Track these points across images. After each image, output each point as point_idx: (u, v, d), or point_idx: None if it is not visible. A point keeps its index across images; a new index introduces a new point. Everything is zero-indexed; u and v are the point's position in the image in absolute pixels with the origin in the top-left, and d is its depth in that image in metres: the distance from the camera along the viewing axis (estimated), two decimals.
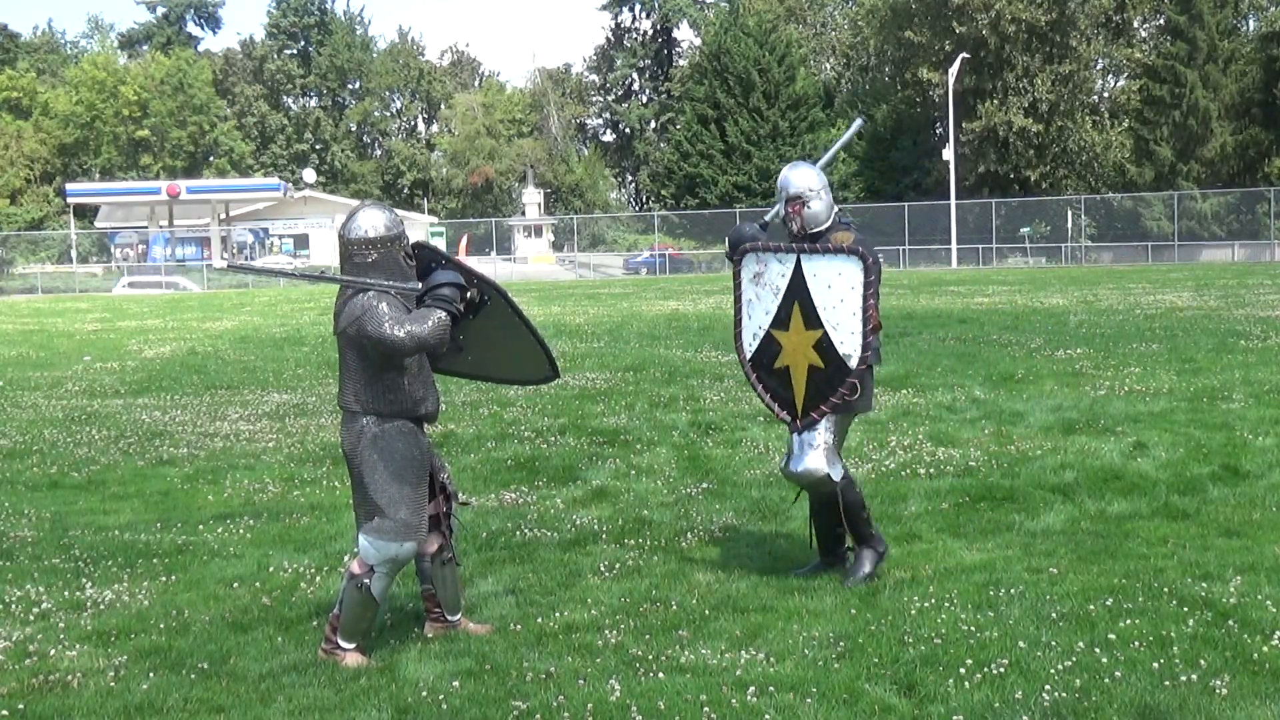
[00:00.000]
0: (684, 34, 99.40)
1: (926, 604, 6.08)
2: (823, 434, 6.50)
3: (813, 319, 6.37)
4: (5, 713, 5.11)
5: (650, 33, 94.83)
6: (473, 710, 4.99)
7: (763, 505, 8.42)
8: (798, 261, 6.45)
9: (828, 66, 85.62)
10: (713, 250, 65.42)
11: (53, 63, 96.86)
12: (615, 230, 76.60)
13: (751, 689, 5.05)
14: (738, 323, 6.70)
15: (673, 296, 32.20)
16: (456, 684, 5.27)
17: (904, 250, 60.65)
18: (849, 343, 6.32)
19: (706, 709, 4.87)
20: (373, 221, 5.67)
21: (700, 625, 5.98)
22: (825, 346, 6.36)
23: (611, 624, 6.02)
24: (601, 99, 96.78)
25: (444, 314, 5.54)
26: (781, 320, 6.49)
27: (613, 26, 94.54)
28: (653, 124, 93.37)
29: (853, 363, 6.31)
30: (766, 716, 4.82)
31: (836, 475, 6.53)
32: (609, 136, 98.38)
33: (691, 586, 6.65)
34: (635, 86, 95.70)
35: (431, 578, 5.98)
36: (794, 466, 6.58)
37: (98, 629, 6.22)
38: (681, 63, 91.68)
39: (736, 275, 6.69)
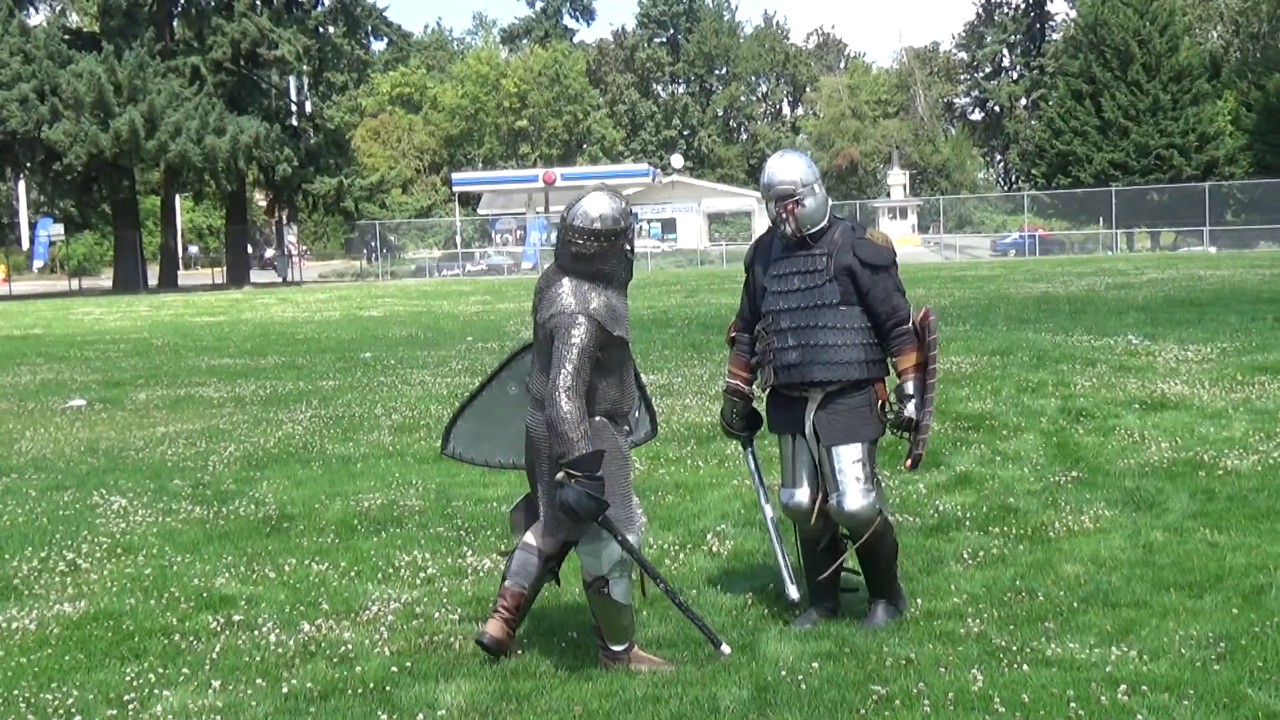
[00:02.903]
0: (1058, 6, 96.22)
1: None
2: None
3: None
4: (395, 669, 5.48)
5: (1022, 7, 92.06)
6: (832, 692, 5.00)
7: (1137, 496, 8.07)
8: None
9: (1214, 35, 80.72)
10: (1086, 231, 62.94)
11: (440, 59, 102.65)
12: (983, 211, 74.80)
13: (1123, 687, 4.85)
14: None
15: (1042, 279, 31.12)
16: (816, 665, 5.29)
17: None
18: None
19: (1073, 704, 4.71)
20: (600, 210, 5.24)
21: (1068, 618, 5.79)
22: None
23: (974, 612, 5.91)
24: (970, 77, 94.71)
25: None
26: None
27: (982, 2, 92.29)
28: (1023, 101, 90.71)
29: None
30: (1139, 717, 4.62)
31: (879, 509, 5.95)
32: (977, 115, 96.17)
33: (1059, 577, 6.45)
34: (1005, 63, 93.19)
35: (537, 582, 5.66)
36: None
37: (477, 595, 6.54)
38: (1055, 37, 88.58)
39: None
